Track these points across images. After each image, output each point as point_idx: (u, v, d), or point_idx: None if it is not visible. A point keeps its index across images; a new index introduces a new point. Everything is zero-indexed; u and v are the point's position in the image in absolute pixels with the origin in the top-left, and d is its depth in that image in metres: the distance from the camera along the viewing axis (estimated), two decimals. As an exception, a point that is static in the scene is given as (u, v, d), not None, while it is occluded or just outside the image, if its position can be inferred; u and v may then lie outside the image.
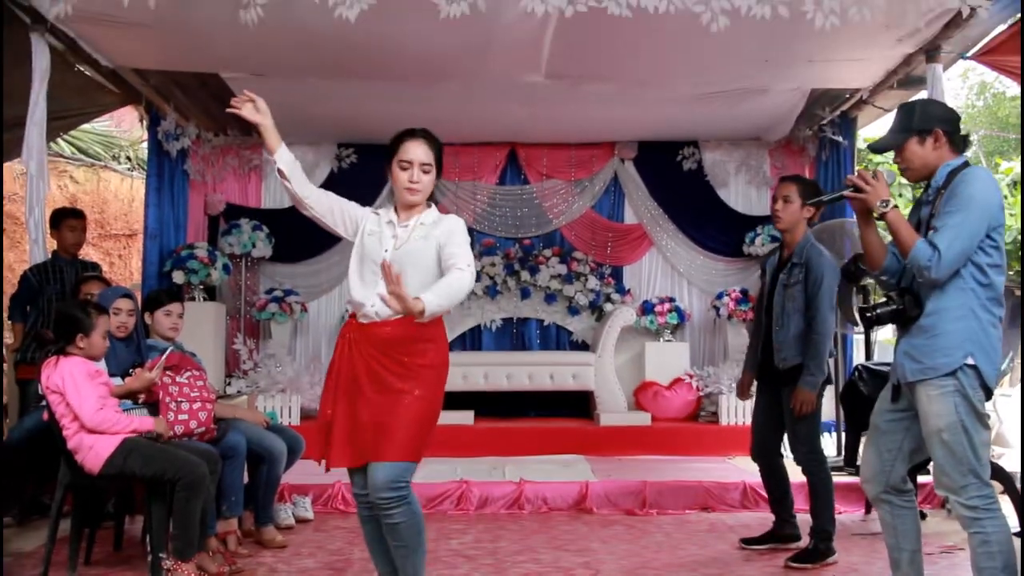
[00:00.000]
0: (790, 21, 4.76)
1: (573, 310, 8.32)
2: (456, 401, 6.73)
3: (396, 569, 3.14)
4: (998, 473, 4.38)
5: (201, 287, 7.32)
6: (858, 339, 7.50)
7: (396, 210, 3.26)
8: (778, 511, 4.58)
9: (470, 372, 7.49)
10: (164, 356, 4.15)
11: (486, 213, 8.44)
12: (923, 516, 5.02)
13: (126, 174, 10.27)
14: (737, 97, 6.78)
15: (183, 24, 5.17)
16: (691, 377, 7.82)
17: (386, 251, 3.11)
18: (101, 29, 5.31)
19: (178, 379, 4.25)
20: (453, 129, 7.74)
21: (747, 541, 4.60)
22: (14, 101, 5.09)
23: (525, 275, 8.22)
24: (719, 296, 7.98)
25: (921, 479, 4.98)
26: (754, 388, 4.64)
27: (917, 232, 2.96)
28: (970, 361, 2.86)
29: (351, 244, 3.27)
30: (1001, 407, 6.36)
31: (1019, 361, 5.59)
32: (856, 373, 5.52)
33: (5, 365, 6.23)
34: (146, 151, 7.75)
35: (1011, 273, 8.99)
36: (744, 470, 6.12)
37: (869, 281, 5.78)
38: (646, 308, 8.05)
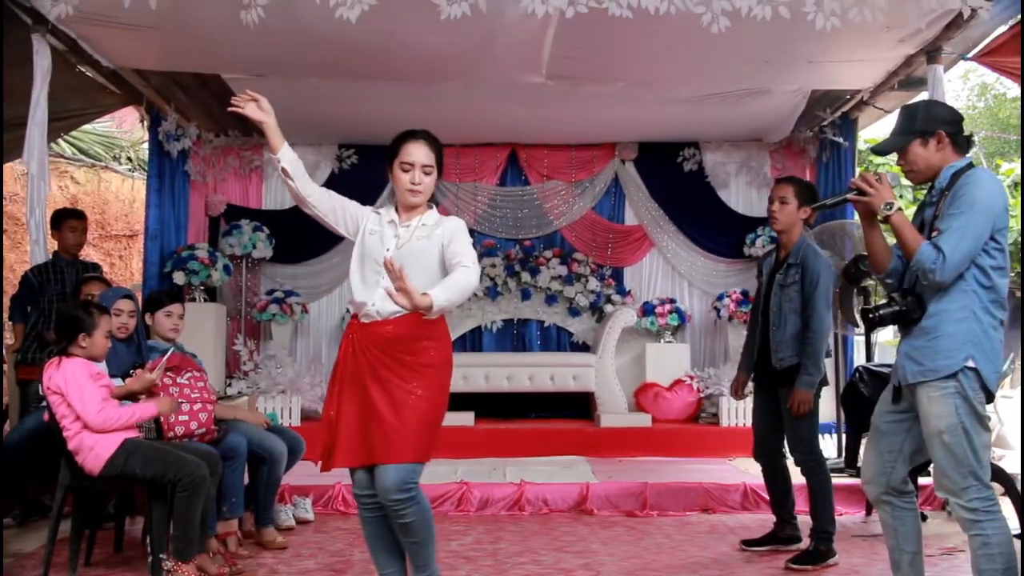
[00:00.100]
0: (791, 22, 4.76)
1: (574, 311, 8.32)
2: (457, 402, 6.68)
3: (398, 569, 3.14)
4: (999, 475, 4.37)
5: (202, 288, 7.32)
6: (859, 340, 7.50)
7: (397, 210, 3.26)
8: (779, 512, 4.58)
9: (471, 373, 7.48)
10: (165, 357, 4.15)
11: (487, 214, 8.44)
12: (924, 518, 5.02)
13: (127, 175, 10.28)
14: (738, 98, 6.78)
15: (184, 25, 5.17)
16: (692, 378, 7.82)
17: (387, 250, 3.12)
18: (102, 30, 5.31)
19: (179, 380, 4.26)
20: (454, 130, 7.74)
21: (748, 543, 4.60)
22: (15, 102, 5.10)
23: (526, 276, 8.22)
24: (720, 297, 7.98)
25: (922, 481, 4.98)
26: (750, 389, 4.65)
27: (920, 233, 2.95)
28: (971, 364, 2.85)
29: (352, 245, 3.27)
30: (1002, 409, 6.35)
31: (1020, 363, 5.59)
32: (857, 374, 5.52)
33: (5, 366, 6.23)
34: (147, 152, 7.75)
35: (1012, 274, 8.98)
36: (745, 472, 6.13)
37: (870, 282, 5.78)
38: (647, 309, 8.05)
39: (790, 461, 4.49)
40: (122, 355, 4.27)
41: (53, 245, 5.84)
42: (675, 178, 8.37)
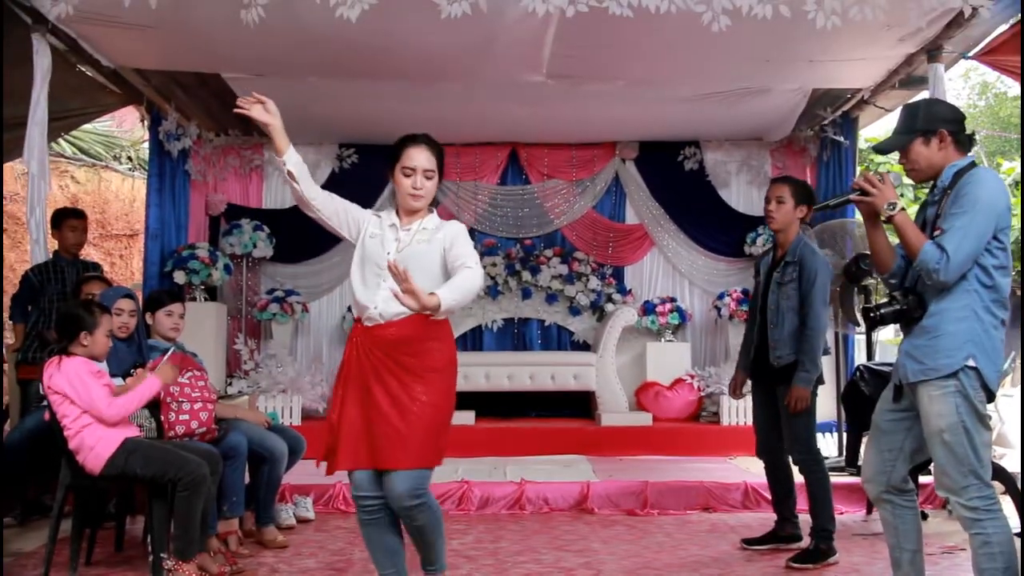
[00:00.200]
0: (791, 21, 4.76)
1: (574, 310, 8.32)
2: (457, 401, 6.62)
3: (399, 569, 3.14)
4: (999, 474, 4.38)
5: (202, 287, 7.32)
6: (860, 339, 7.50)
7: (398, 214, 3.26)
8: (780, 510, 4.58)
9: (471, 372, 7.48)
10: (166, 356, 4.15)
11: (487, 213, 8.44)
12: (924, 516, 5.03)
13: (127, 174, 10.28)
14: (738, 97, 6.77)
15: (184, 24, 5.17)
16: (692, 377, 7.82)
17: (388, 254, 3.12)
18: (102, 29, 5.31)
19: (179, 379, 4.26)
20: (454, 129, 7.75)
21: (748, 541, 4.60)
22: (15, 101, 5.09)
23: (526, 275, 8.22)
24: (720, 296, 7.98)
25: (922, 479, 4.98)
26: (749, 388, 4.66)
27: (923, 232, 2.95)
28: (971, 363, 2.85)
29: (352, 245, 3.28)
30: (1003, 407, 6.35)
31: (1020, 362, 5.59)
32: (858, 373, 5.52)
33: (6, 365, 6.23)
34: (147, 151, 7.76)
35: (1013, 273, 8.97)
36: (746, 470, 6.13)
37: (871, 281, 5.78)
38: (647, 308, 8.05)
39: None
40: (123, 354, 4.27)
41: (53, 244, 5.84)
42: (676, 177, 8.37)
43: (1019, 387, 6.32)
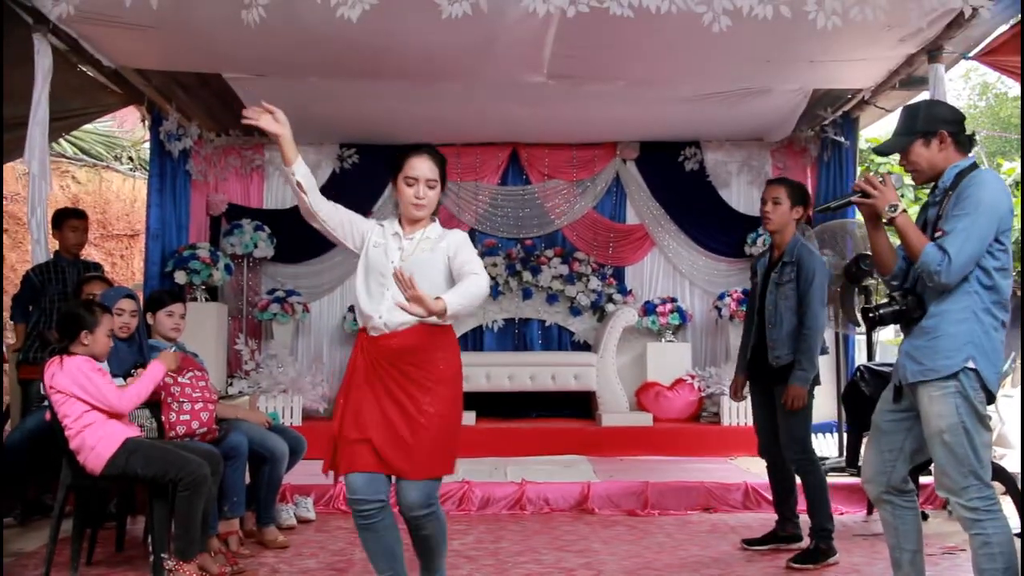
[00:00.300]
0: (792, 21, 4.76)
1: (575, 310, 8.32)
2: (458, 402, 6.73)
3: (400, 572, 3.14)
4: (1000, 474, 4.38)
5: (203, 287, 7.33)
6: (860, 340, 7.50)
7: (401, 223, 3.27)
8: (781, 510, 4.59)
9: (472, 373, 7.46)
10: (166, 356, 4.16)
11: (488, 213, 8.44)
12: (925, 517, 5.03)
13: (128, 174, 10.27)
14: (739, 97, 6.77)
15: (185, 24, 5.17)
16: (693, 378, 7.82)
17: (392, 263, 3.13)
18: (103, 29, 5.31)
19: (180, 379, 4.27)
20: (454, 129, 7.75)
21: (749, 542, 4.60)
22: (16, 101, 5.10)
23: (527, 275, 8.22)
24: (721, 296, 7.98)
25: (923, 480, 4.98)
26: (747, 389, 4.66)
27: (923, 233, 2.95)
28: (971, 364, 2.85)
29: (354, 252, 3.29)
30: (1003, 408, 6.35)
31: (1020, 362, 5.59)
32: (858, 373, 5.52)
33: (7, 365, 6.23)
34: (148, 151, 7.75)
35: (1013, 274, 8.97)
36: (746, 471, 6.13)
37: (871, 281, 5.78)
38: (648, 309, 8.05)
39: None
40: (123, 354, 4.27)
41: (54, 245, 5.84)
42: (676, 177, 8.37)
43: (1019, 388, 6.32)
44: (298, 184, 3.14)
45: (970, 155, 3.05)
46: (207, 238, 8.02)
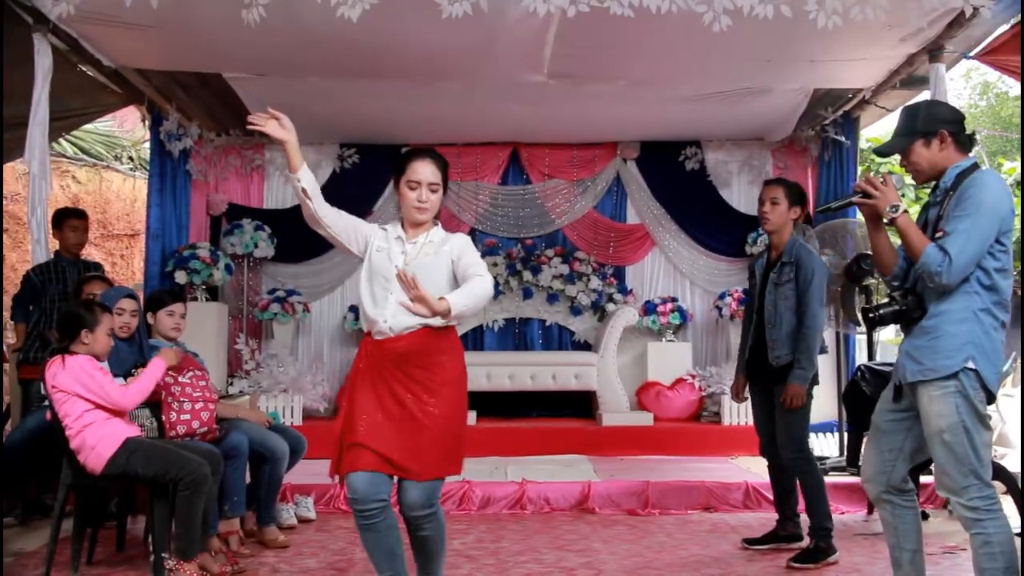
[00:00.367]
0: (792, 21, 4.76)
1: (575, 310, 8.32)
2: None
3: (400, 571, 3.14)
4: (1000, 473, 4.38)
5: (203, 287, 7.33)
6: (860, 339, 7.49)
7: (403, 227, 3.28)
8: (781, 510, 4.59)
9: (473, 372, 7.25)
10: (166, 355, 4.16)
11: (488, 213, 8.44)
12: (925, 516, 5.03)
13: (128, 174, 10.27)
14: (739, 97, 6.77)
15: (185, 24, 5.17)
16: (693, 377, 7.82)
17: (396, 267, 3.13)
18: (103, 29, 5.31)
19: (180, 379, 4.27)
20: (455, 129, 7.75)
21: (749, 541, 4.60)
22: (16, 101, 5.10)
23: (527, 275, 8.22)
24: (721, 296, 7.98)
25: (924, 479, 4.98)
26: (748, 390, 4.67)
27: (924, 233, 2.95)
28: (971, 364, 2.85)
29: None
30: (1004, 407, 6.35)
31: (1021, 362, 5.58)
32: (859, 373, 5.52)
33: (7, 365, 6.23)
34: (148, 151, 7.76)
35: (1014, 274, 8.97)
36: (747, 470, 6.13)
37: (872, 281, 5.78)
38: (648, 308, 8.05)
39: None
40: (124, 354, 4.28)
41: (55, 244, 5.84)
42: (677, 177, 8.37)
43: (1020, 387, 6.32)
44: (303, 191, 3.15)
45: (971, 155, 3.05)
46: (207, 238, 8.02)
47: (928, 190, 3.15)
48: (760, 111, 7.20)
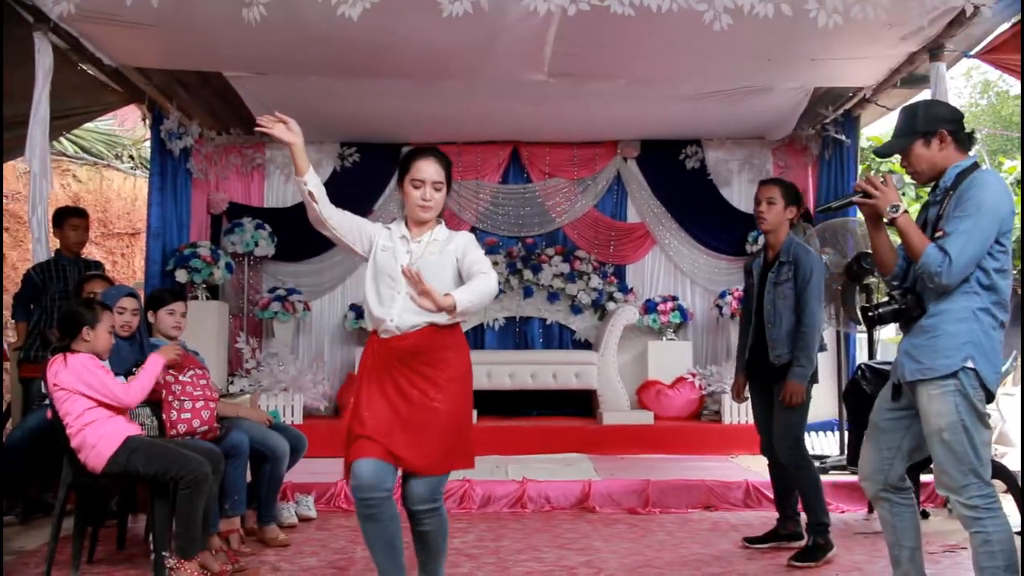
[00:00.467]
0: (793, 20, 4.76)
1: (576, 309, 8.32)
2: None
3: (398, 566, 3.15)
4: (1000, 472, 4.38)
5: (204, 286, 7.33)
6: (861, 338, 7.49)
7: (408, 225, 3.29)
8: (782, 508, 4.59)
9: (473, 371, 7.43)
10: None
11: (489, 212, 8.44)
12: (926, 515, 5.04)
13: (129, 173, 10.27)
14: (740, 96, 6.77)
15: (186, 23, 5.17)
16: (694, 376, 7.83)
17: (401, 265, 3.14)
18: (104, 28, 5.31)
19: (181, 378, 4.27)
20: (455, 127, 7.75)
21: (750, 540, 4.61)
22: (17, 100, 5.10)
23: (528, 274, 8.22)
24: (722, 295, 7.98)
25: (924, 478, 4.98)
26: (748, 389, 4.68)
27: (923, 232, 2.96)
28: (970, 364, 2.86)
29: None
30: (1004, 406, 6.35)
31: (1021, 361, 5.59)
32: (859, 372, 5.52)
33: (8, 364, 6.24)
34: (149, 150, 7.75)
35: (1014, 272, 8.96)
36: (747, 469, 6.14)
37: (872, 279, 5.78)
38: (649, 307, 8.05)
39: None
40: (125, 353, 4.28)
41: (55, 243, 5.84)
42: (677, 176, 8.37)
43: (1020, 386, 6.32)
44: (310, 194, 3.16)
45: (971, 154, 3.05)
46: (208, 236, 8.02)
47: (928, 189, 3.15)
48: (761, 110, 7.20)
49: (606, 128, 8.04)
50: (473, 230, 8.19)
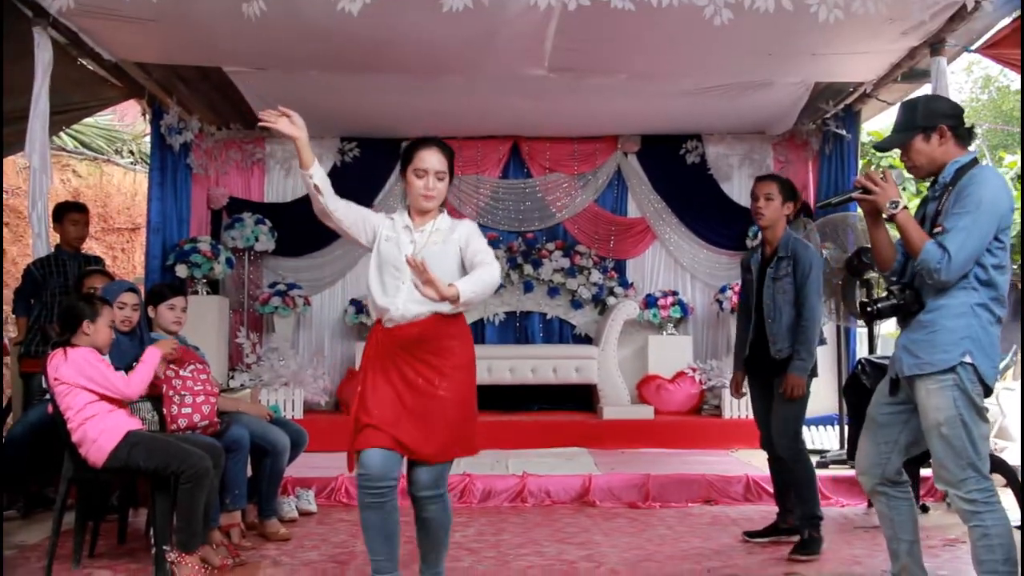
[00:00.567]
0: (794, 14, 4.75)
1: (576, 304, 8.32)
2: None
3: (392, 556, 3.16)
4: (1000, 467, 4.38)
5: (204, 281, 7.33)
6: (861, 332, 7.49)
7: (410, 215, 3.30)
8: (782, 502, 4.60)
9: (474, 364, 7.47)
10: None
11: (489, 207, 8.44)
12: (925, 509, 5.05)
13: (129, 168, 10.27)
14: (740, 91, 6.76)
15: (185, 18, 5.17)
16: (694, 371, 7.83)
17: (405, 256, 3.15)
18: (103, 23, 5.30)
19: (181, 373, 4.27)
20: (456, 122, 7.74)
21: (750, 534, 4.62)
22: (16, 95, 5.10)
23: (528, 269, 8.22)
24: (722, 289, 7.98)
25: (923, 472, 4.98)
26: (747, 385, 4.68)
27: (922, 227, 2.96)
28: (968, 359, 2.87)
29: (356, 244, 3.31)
30: (1004, 401, 6.35)
31: (1021, 355, 5.59)
32: (859, 366, 5.52)
33: (8, 359, 6.24)
34: (149, 145, 7.75)
35: (1013, 267, 8.96)
36: (747, 463, 6.14)
37: (873, 274, 5.78)
38: (649, 302, 8.05)
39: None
40: (125, 347, 4.28)
41: (55, 238, 5.84)
42: (678, 171, 8.36)
43: (1020, 381, 6.32)
44: (315, 187, 3.19)
45: (971, 149, 3.05)
46: (208, 232, 8.02)
47: (928, 184, 3.15)
48: (761, 105, 7.19)
49: (606, 123, 8.03)
50: (473, 225, 8.18)
